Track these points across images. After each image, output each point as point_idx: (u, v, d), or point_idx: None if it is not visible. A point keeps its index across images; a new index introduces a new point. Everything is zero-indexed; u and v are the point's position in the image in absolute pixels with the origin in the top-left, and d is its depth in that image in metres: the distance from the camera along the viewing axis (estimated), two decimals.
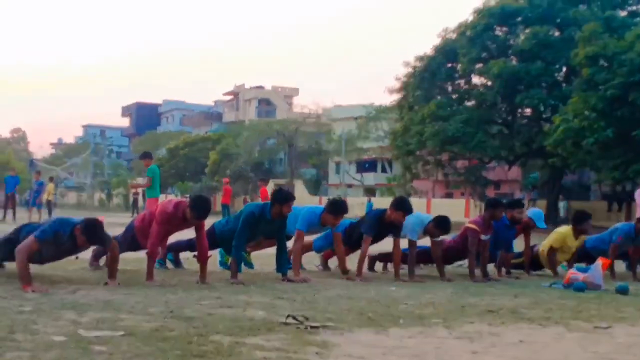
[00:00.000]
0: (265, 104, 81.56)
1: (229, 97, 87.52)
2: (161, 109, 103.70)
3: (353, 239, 9.18)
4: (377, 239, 9.21)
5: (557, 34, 35.53)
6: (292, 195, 8.51)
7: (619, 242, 10.22)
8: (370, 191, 61.02)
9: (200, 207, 7.46)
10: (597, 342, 5.02)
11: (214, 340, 4.45)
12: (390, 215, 8.84)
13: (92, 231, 6.93)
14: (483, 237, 9.31)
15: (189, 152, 62.47)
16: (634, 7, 35.95)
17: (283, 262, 8.44)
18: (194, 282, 7.60)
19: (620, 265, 11.02)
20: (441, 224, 9.10)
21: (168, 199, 8.22)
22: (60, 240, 6.92)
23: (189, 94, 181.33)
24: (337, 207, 8.82)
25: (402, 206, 8.89)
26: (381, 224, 8.95)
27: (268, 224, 8.27)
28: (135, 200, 39.27)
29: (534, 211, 10.48)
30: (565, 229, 10.48)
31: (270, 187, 56.97)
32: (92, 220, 7.10)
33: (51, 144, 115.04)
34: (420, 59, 39.25)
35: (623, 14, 35.29)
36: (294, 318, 5.27)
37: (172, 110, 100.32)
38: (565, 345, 4.87)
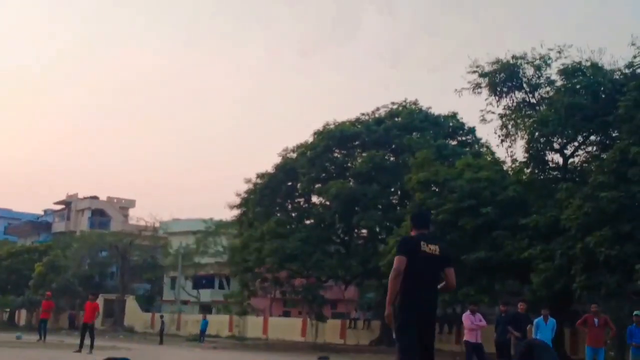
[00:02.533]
0: (99, 215, 78.80)
1: (60, 207, 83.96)
2: None
3: None
4: None
5: (392, 158, 37.20)
6: None
7: None
8: (206, 308, 59.50)
9: None
10: None
11: None
12: None
13: None
14: None
15: (12, 263, 58.58)
16: (464, 138, 38.48)
17: None
18: None
19: None
20: None
21: None
22: None
23: (16, 202, 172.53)
24: None
25: None
26: None
27: None
28: None
29: None
30: None
31: (100, 303, 54.05)
32: None
33: None
34: (261, 176, 39.73)
35: (453, 143, 37.65)
36: None
37: None
38: None
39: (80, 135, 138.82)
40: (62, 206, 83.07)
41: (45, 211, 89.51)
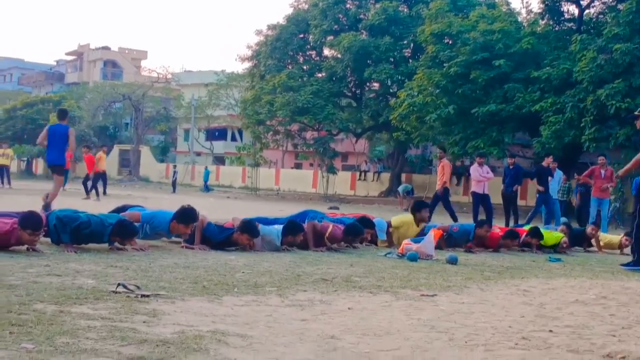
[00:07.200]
0: (111, 66, 78.63)
1: (72, 57, 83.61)
2: None
3: None
4: None
5: (405, 10, 36.43)
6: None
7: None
8: (219, 159, 60.54)
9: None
10: (421, 309, 5.21)
11: (36, 309, 4.25)
12: (237, 237, 8.75)
13: None
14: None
15: (27, 114, 59.10)
16: None
17: None
18: (22, 249, 7.22)
19: None
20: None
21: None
22: None
23: (29, 52, 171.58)
24: (187, 216, 8.49)
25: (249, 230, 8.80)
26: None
27: None
28: None
29: (379, 222, 10.78)
30: (409, 217, 10.97)
31: (115, 153, 54.94)
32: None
33: None
34: (273, 27, 39.22)
35: None
36: (125, 287, 5.11)
37: (10, 68, 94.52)
38: (392, 312, 5.02)
39: None
40: (74, 57, 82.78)
41: (57, 62, 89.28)
